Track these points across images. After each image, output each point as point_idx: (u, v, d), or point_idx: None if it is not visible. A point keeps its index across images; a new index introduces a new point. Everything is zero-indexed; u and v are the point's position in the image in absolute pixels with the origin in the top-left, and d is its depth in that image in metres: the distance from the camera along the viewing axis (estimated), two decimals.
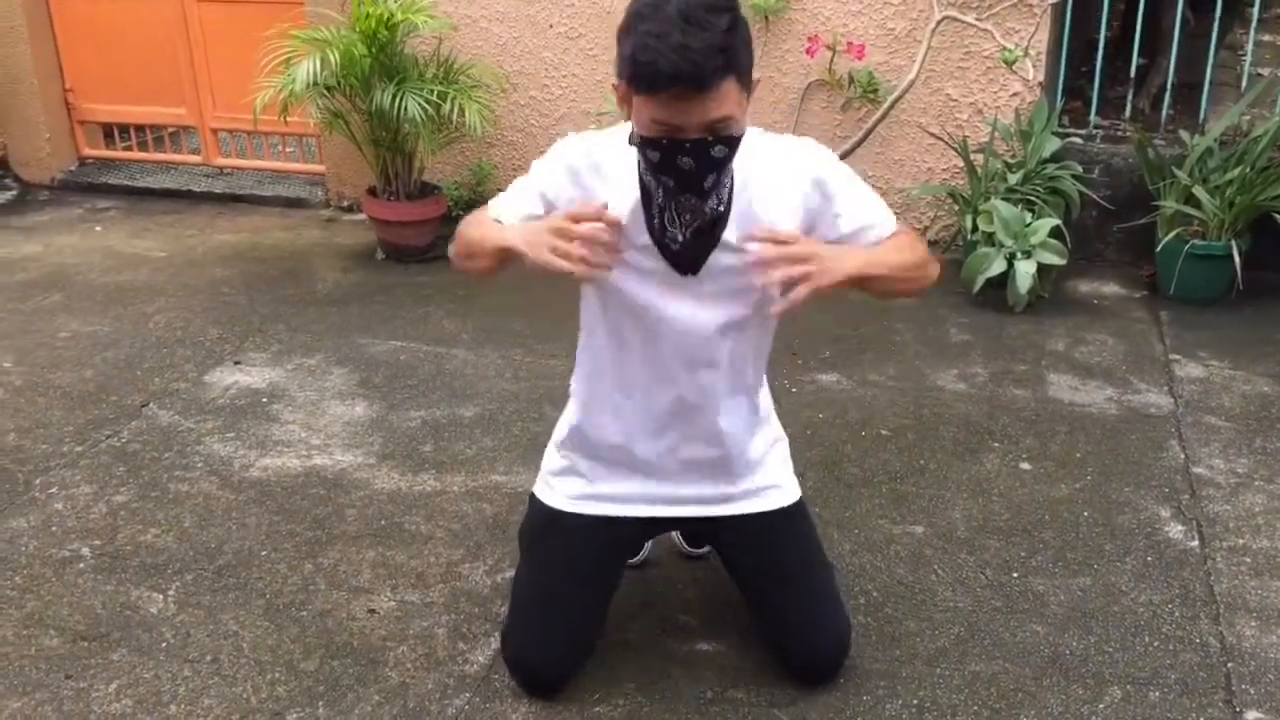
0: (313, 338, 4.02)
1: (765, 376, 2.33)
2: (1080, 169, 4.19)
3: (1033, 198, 4.09)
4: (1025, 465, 3.15)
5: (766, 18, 4.46)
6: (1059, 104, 4.38)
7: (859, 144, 4.35)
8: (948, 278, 4.21)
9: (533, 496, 2.43)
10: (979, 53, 4.32)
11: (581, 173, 2.03)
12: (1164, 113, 4.39)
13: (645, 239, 2.04)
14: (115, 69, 5.37)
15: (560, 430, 2.38)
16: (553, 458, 2.39)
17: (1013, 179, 4.14)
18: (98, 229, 5.08)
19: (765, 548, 2.31)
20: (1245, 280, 3.91)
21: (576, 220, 1.91)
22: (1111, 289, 4.24)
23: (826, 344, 3.87)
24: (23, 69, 5.33)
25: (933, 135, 4.41)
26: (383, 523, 2.92)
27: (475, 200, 5.02)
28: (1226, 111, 4.23)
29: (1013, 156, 4.26)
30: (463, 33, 4.79)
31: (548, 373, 3.71)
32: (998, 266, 3.99)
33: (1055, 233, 4.00)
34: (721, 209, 2.00)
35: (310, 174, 5.35)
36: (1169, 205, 3.99)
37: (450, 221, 4.86)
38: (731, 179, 2.00)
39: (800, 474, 2.47)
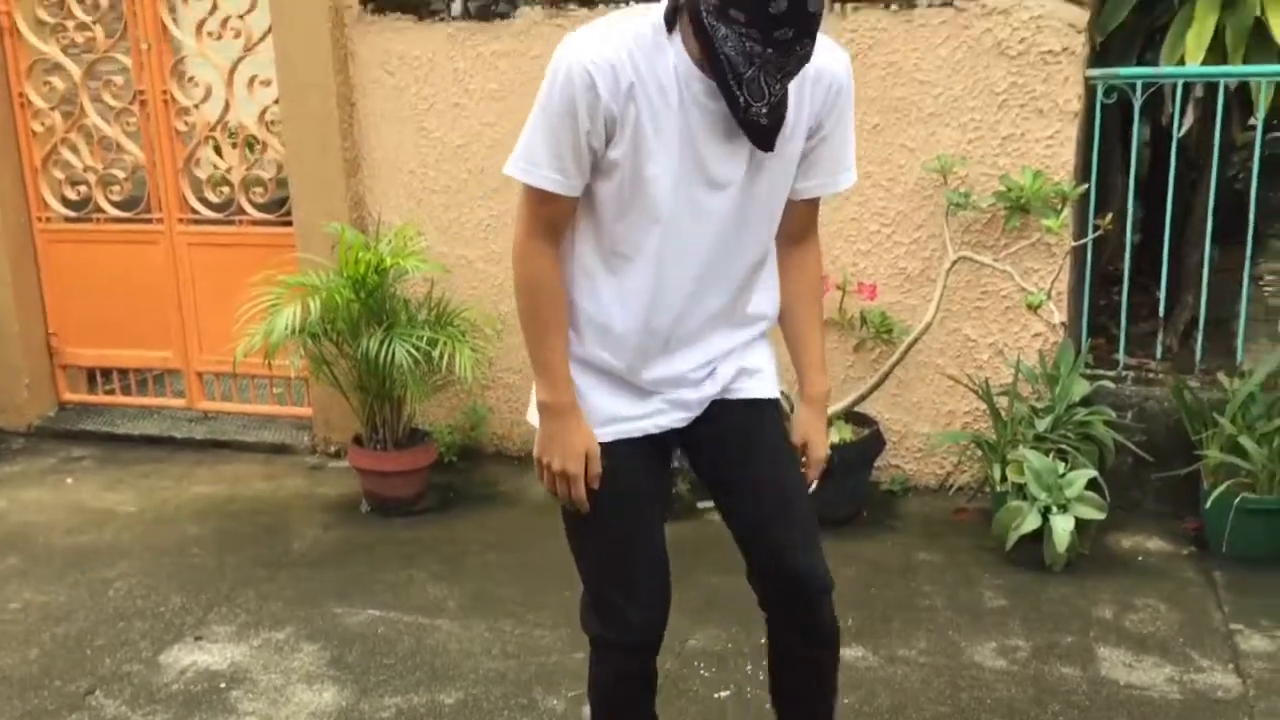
0: (284, 606, 3.68)
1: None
2: (1113, 414, 3.91)
3: (1065, 446, 3.80)
4: None
5: None
6: (1085, 344, 4.14)
7: (875, 387, 4.09)
8: (977, 532, 3.95)
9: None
10: (996, 292, 4.12)
11: (606, 87, 1.86)
12: (1197, 352, 4.14)
13: (720, 125, 1.90)
14: (101, 312, 5.21)
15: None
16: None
17: (1041, 425, 3.86)
18: (69, 481, 4.80)
19: (755, 428, 2.20)
20: None
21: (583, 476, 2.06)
22: (1155, 544, 3.89)
23: (848, 609, 3.48)
24: (4, 314, 5.16)
25: (950, 378, 4.16)
26: None
27: (469, 446, 4.76)
28: (1261, 349, 3.99)
29: (1039, 400, 3.99)
30: (456, 274, 4.62)
31: (539, 647, 3.35)
32: (1032, 522, 3.66)
33: (1092, 484, 3.69)
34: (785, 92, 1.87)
35: (297, 418, 5.10)
36: (1213, 455, 3.69)
37: (442, 469, 4.59)
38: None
39: None
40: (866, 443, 4.10)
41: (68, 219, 5.23)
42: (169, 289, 5.12)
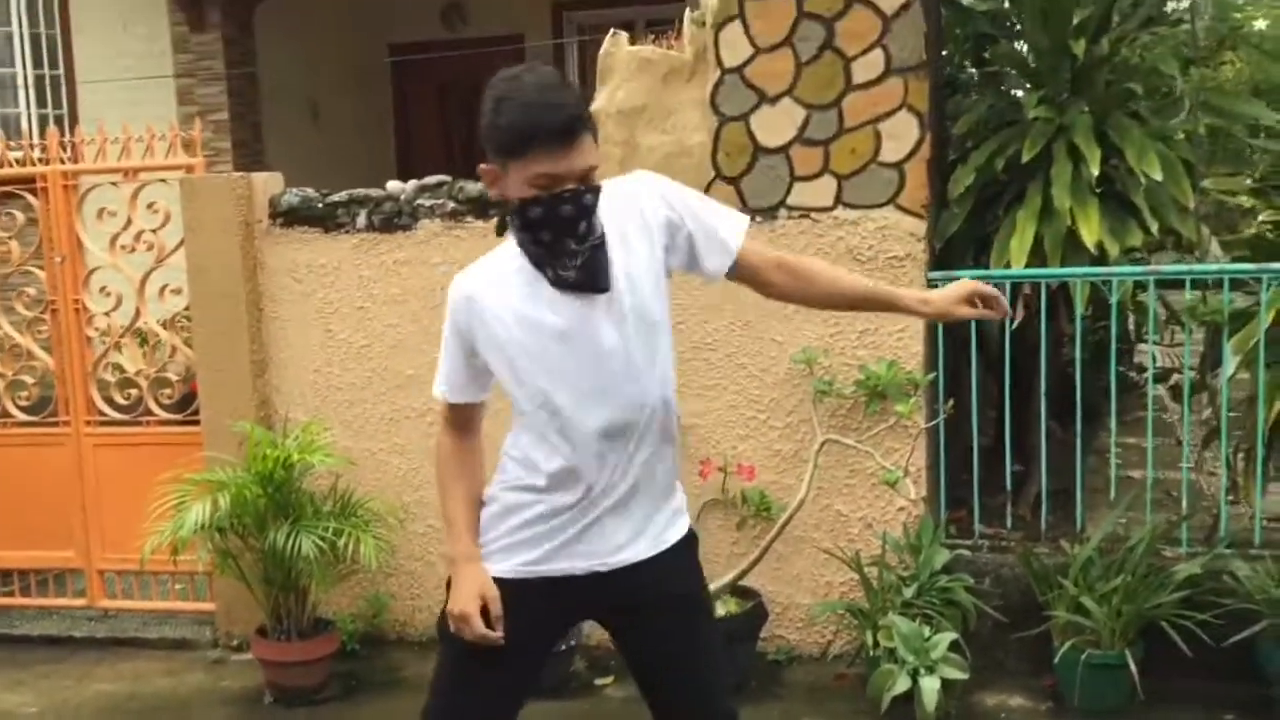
0: None
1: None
2: (971, 580, 4.26)
3: (929, 611, 4.12)
4: None
5: None
6: (943, 516, 4.53)
7: (756, 562, 4.40)
8: (856, 696, 4.22)
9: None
10: (863, 470, 4.50)
11: (473, 302, 2.33)
12: (1043, 521, 4.55)
13: (550, 294, 2.26)
14: (5, 513, 5.28)
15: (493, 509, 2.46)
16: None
17: (907, 592, 4.19)
18: None
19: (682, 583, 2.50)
20: (1144, 689, 3.91)
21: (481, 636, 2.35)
22: (1017, 701, 4.20)
23: None
24: None
25: (824, 551, 4.49)
26: None
27: (371, 633, 4.90)
28: (1103, 517, 4.40)
29: (905, 569, 4.33)
30: (361, 467, 4.85)
31: None
32: (903, 684, 3.94)
33: (955, 646, 4.00)
34: (598, 239, 2.25)
35: (199, 613, 5.19)
36: (1060, 615, 4.05)
37: (345, 657, 4.71)
38: (600, 223, 2.26)
39: None
40: (751, 615, 4.38)
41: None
42: (73, 489, 5.24)
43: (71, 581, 5.44)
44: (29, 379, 5.32)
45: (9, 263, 5.27)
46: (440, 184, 4.76)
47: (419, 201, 4.77)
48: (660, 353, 2.36)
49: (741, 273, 2.44)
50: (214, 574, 4.81)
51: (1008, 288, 4.45)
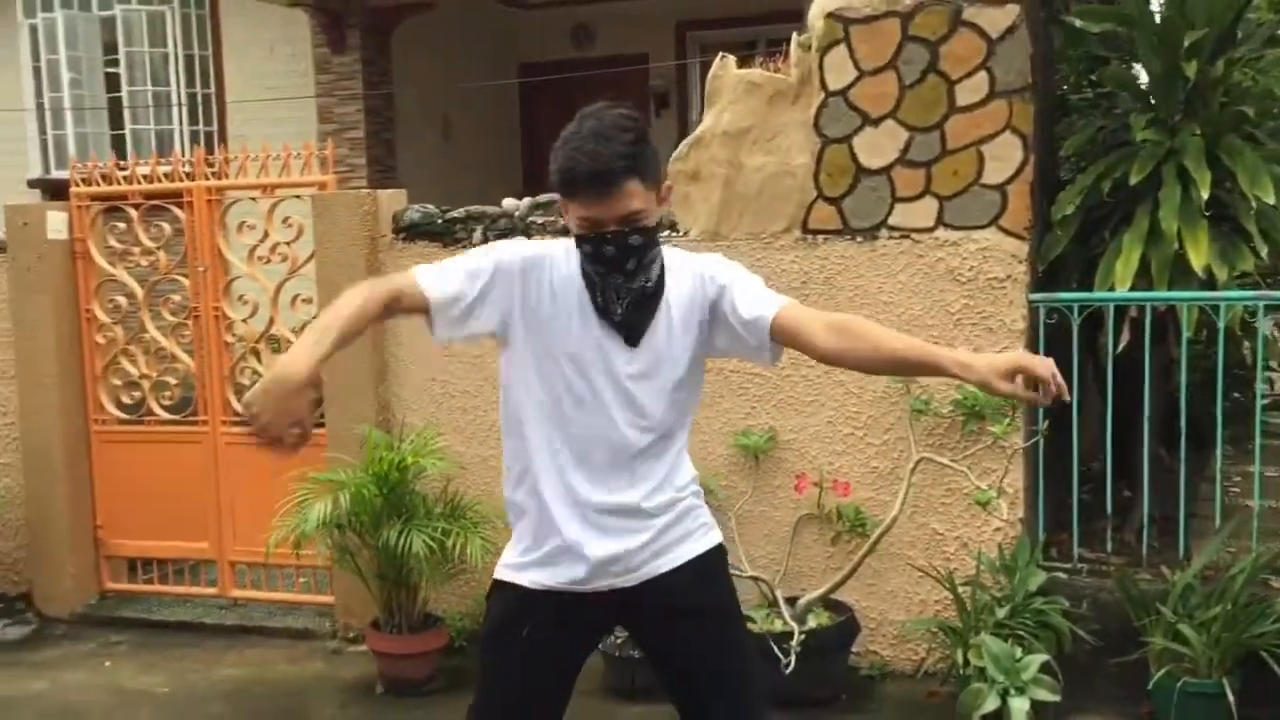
0: None
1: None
2: (1067, 603, 4.25)
3: (1022, 632, 4.13)
4: None
5: (756, 456, 4.72)
6: (1040, 538, 4.52)
7: (848, 577, 4.46)
8: (946, 713, 4.24)
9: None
10: (960, 489, 4.52)
11: (521, 268, 2.40)
12: (1145, 546, 4.51)
13: (591, 312, 2.39)
14: (145, 506, 5.66)
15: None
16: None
17: (1000, 613, 4.20)
18: (107, 664, 5.16)
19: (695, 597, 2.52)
20: (1242, 718, 3.85)
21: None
22: None
23: None
24: (57, 509, 5.64)
25: (917, 569, 4.53)
26: None
27: (478, 631, 5.06)
28: (1207, 545, 4.34)
29: (1000, 590, 4.34)
30: (471, 471, 5.07)
31: None
32: (991, 703, 3.96)
33: (1047, 669, 4.00)
34: (651, 287, 2.39)
35: (321, 605, 5.47)
36: (1157, 641, 4.02)
37: (453, 653, 4.92)
38: (662, 264, 2.41)
39: None
40: (842, 627, 4.45)
41: (121, 421, 5.75)
42: (209, 485, 5.59)
43: (205, 572, 5.79)
44: (172, 380, 5.69)
45: (157, 271, 5.66)
46: (552, 201, 4.95)
47: (531, 218, 4.97)
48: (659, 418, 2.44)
49: (786, 333, 2.39)
50: (334, 569, 5.09)
51: (1111, 310, 4.45)
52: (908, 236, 4.53)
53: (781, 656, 4.19)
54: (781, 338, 2.39)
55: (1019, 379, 2.22)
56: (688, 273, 2.46)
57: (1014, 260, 4.42)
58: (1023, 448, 4.43)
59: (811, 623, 4.40)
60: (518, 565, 2.54)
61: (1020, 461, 4.46)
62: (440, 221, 5.10)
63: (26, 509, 5.73)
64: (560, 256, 2.43)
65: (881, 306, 4.56)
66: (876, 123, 4.50)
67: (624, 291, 2.37)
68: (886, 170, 4.52)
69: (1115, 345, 4.44)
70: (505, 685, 2.56)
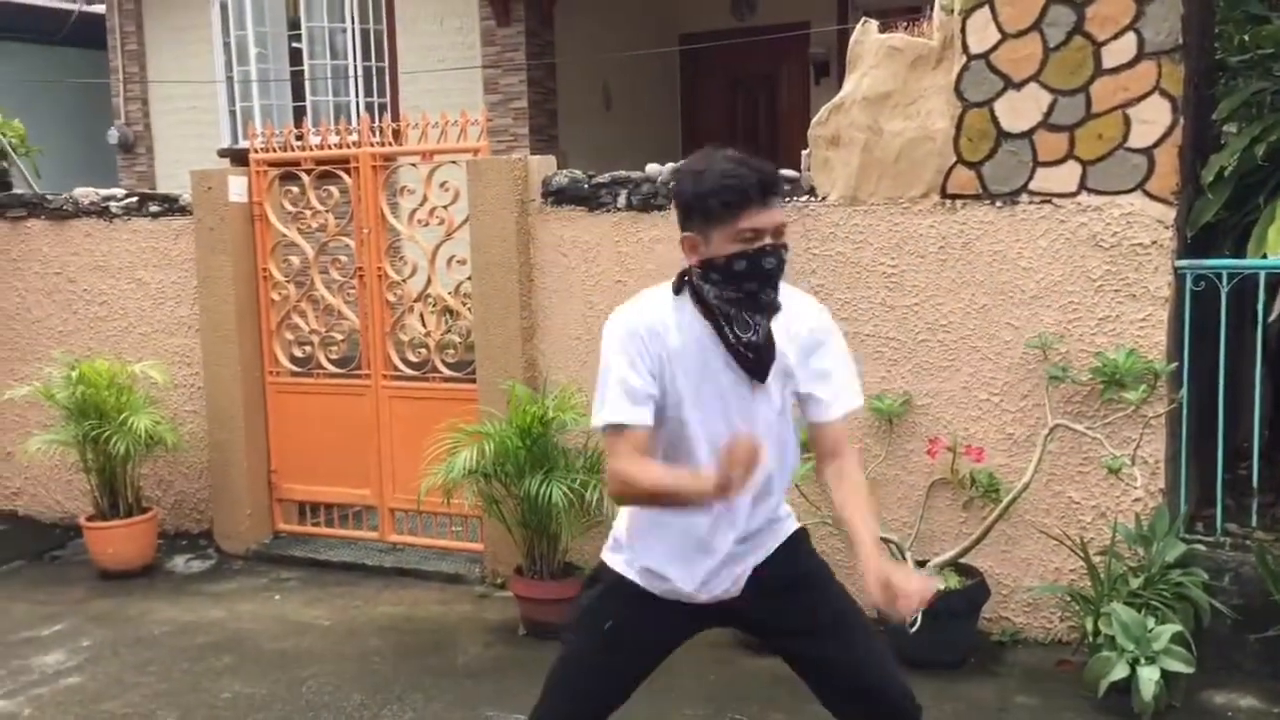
0: (445, 708, 4.26)
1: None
2: (1207, 576, 4.17)
3: (1156, 602, 4.08)
4: None
5: (890, 420, 4.75)
6: (1182, 510, 4.42)
7: (978, 541, 4.47)
8: (1076, 681, 4.22)
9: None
10: (1098, 458, 4.46)
11: (648, 336, 2.49)
12: None
13: (721, 358, 2.50)
14: (315, 453, 6.06)
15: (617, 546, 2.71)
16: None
17: (1135, 583, 4.15)
18: (276, 598, 5.56)
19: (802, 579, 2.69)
20: None
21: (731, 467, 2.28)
22: (1248, 702, 4.08)
23: None
24: (235, 454, 6.08)
25: (1051, 536, 4.50)
26: None
27: None
28: None
29: (1137, 561, 4.28)
30: None
31: None
32: (1120, 671, 3.93)
33: (1180, 640, 3.94)
34: (778, 310, 2.51)
35: (471, 552, 5.76)
36: None
37: None
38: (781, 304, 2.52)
39: None
40: (972, 591, 4.46)
41: (293, 373, 6.15)
42: (371, 436, 5.93)
43: (367, 517, 6.16)
44: (338, 336, 6.06)
45: (326, 233, 6.02)
46: None
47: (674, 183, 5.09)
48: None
49: (815, 433, 2.63)
50: (482, 518, 5.36)
51: (1262, 278, 4.31)
52: (1049, 201, 4.47)
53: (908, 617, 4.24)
54: (814, 429, 2.64)
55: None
56: (797, 315, 2.58)
57: (1160, 226, 4.33)
58: (1161, 414, 4.33)
59: (940, 585, 4.42)
60: None
61: (1161, 431, 4.38)
62: (587, 186, 5.27)
63: (209, 453, 6.19)
64: (660, 312, 2.53)
65: (1020, 272, 4.53)
66: (1019, 86, 4.46)
67: (761, 318, 2.49)
68: (1028, 134, 4.47)
69: (1266, 315, 4.30)
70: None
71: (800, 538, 2.76)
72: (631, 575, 2.66)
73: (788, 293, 2.56)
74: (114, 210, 6.41)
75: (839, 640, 2.65)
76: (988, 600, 4.54)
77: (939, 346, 4.69)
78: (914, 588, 2.38)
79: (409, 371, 5.87)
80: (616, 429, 2.47)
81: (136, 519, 5.95)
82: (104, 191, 6.57)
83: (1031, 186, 4.49)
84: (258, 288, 6.11)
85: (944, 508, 4.74)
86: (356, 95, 9.81)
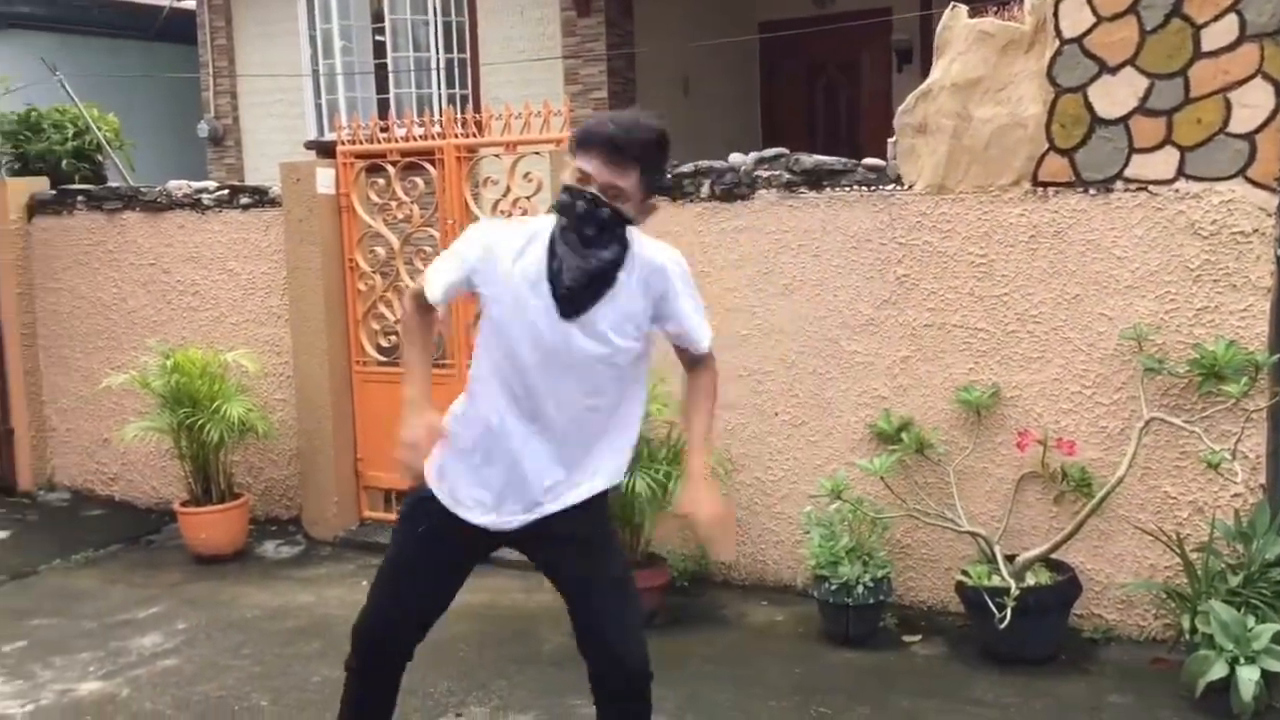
0: (529, 695, 4.29)
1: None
2: None
3: (1256, 601, 3.97)
4: None
5: (978, 412, 4.68)
6: None
7: (1070, 536, 4.38)
8: (1172, 680, 4.12)
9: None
10: (1195, 453, 4.35)
11: (492, 246, 2.87)
12: None
13: (542, 277, 2.78)
14: (393, 442, 6.11)
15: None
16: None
17: (1234, 580, 4.04)
18: (364, 584, 5.63)
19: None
20: None
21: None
22: None
23: None
24: (323, 441, 6.18)
25: (1146, 532, 4.39)
26: None
27: (699, 573, 5.29)
28: None
29: (1236, 558, 4.17)
30: None
31: None
32: (1218, 671, 3.83)
33: None
34: (606, 267, 2.76)
35: None
36: None
37: (674, 591, 5.13)
38: (628, 253, 2.80)
39: None
40: (1062, 587, 4.37)
41: (379, 363, 6.23)
42: None
43: None
44: None
45: (411, 224, 6.08)
46: (778, 156, 5.04)
47: (757, 173, 5.07)
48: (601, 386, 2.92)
49: (678, 355, 3.10)
50: None
51: None
52: (1145, 188, 4.36)
53: (996, 612, 4.19)
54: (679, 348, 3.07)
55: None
56: (649, 264, 2.85)
57: (1261, 213, 4.20)
58: (1263, 408, 4.21)
59: (1030, 581, 4.35)
60: None
61: (1263, 425, 4.25)
62: (669, 176, 5.26)
63: (298, 441, 6.31)
64: (532, 224, 2.92)
65: (1114, 261, 4.43)
66: (1114, 70, 4.35)
67: (583, 263, 2.75)
68: (1124, 120, 4.36)
69: None
70: None
71: (596, 502, 3.02)
72: (441, 496, 3.07)
73: (648, 245, 2.86)
74: (206, 202, 6.55)
75: (593, 599, 3.09)
76: (1079, 596, 4.44)
77: (1029, 337, 4.60)
78: (707, 509, 2.90)
79: None
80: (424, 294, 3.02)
81: (228, 505, 6.09)
82: (196, 184, 6.71)
83: (1127, 173, 4.38)
84: (345, 278, 6.20)
85: (1033, 502, 4.65)
86: (439, 87, 9.89)
